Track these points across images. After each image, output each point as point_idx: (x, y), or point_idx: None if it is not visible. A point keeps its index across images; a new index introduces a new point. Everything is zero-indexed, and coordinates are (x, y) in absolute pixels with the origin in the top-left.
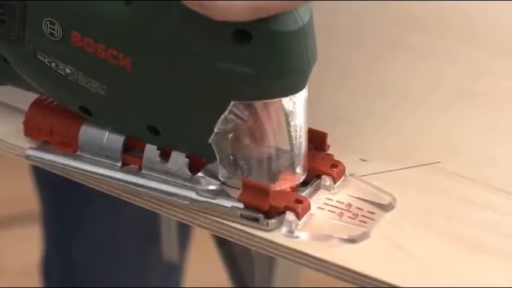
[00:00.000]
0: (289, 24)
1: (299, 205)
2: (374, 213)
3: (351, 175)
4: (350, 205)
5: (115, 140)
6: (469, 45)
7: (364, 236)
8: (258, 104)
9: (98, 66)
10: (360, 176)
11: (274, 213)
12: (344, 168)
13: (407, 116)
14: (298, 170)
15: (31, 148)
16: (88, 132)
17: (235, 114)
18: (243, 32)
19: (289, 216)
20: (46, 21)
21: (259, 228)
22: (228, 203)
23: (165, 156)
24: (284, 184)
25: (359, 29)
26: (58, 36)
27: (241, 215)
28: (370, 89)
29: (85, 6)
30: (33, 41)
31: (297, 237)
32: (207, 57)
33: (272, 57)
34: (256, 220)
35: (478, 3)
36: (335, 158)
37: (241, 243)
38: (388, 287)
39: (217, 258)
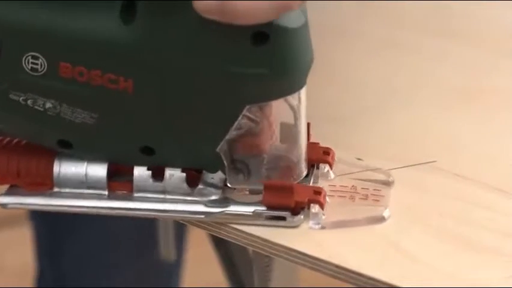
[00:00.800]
0: (297, 20)
1: (320, 196)
2: (379, 190)
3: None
4: (355, 187)
5: (96, 169)
6: (463, 44)
7: (389, 214)
8: (269, 104)
9: (91, 94)
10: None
11: (298, 208)
12: (334, 154)
13: (403, 114)
14: (303, 163)
15: (3, 195)
16: (64, 166)
17: (249, 118)
18: (261, 34)
19: (314, 208)
20: (27, 56)
21: (285, 227)
22: (248, 209)
23: (158, 175)
24: (293, 179)
25: (349, 27)
26: (42, 71)
27: (265, 217)
28: (365, 87)
29: (76, 33)
30: (8, 80)
31: (323, 227)
32: (224, 64)
33: (287, 55)
34: (282, 219)
35: (472, 2)
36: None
37: (238, 243)
38: (384, 287)
39: (214, 258)
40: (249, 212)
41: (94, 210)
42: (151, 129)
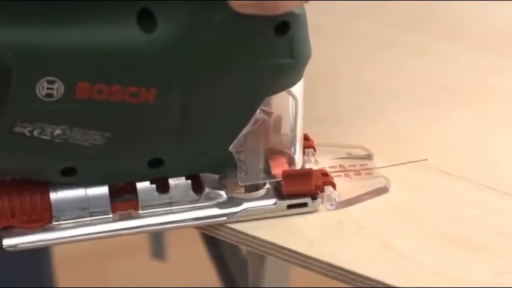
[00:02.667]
0: (303, 6)
1: (329, 178)
2: (366, 164)
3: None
4: (343, 166)
5: (97, 193)
6: (455, 43)
7: (388, 183)
8: (281, 94)
9: (108, 112)
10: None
11: (316, 193)
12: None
13: (394, 113)
14: (301, 153)
15: (6, 238)
16: (61, 197)
17: (264, 111)
18: (283, 23)
19: (328, 190)
20: (42, 82)
21: (307, 212)
22: (269, 202)
23: (162, 187)
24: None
25: (345, 27)
26: (58, 95)
27: (287, 206)
28: (357, 86)
29: (95, 48)
30: (16, 112)
31: (337, 207)
32: (251, 60)
33: (304, 42)
34: (304, 205)
35: (469, 3)
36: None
37: (229, 241)
38: (374, 284)
39: (207, 258)
40: (271, 204)
41: (102, 235)
42: (166, 139)
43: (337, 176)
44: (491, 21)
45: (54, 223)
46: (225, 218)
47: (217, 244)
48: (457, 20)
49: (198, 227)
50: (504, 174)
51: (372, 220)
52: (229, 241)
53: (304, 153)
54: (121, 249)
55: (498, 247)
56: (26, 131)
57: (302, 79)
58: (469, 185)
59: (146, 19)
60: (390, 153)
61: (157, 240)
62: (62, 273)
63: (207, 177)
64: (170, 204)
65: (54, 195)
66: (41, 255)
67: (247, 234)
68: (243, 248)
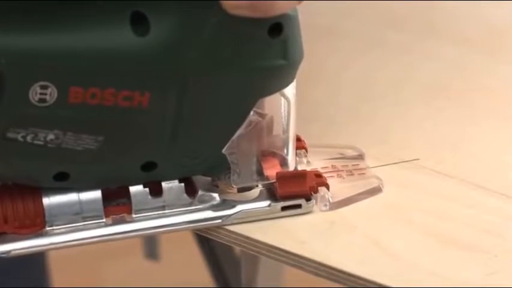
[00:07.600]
0: (295, 8)
1: (323, 178)
2: (358, 164)
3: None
4: (335, 167)
5: (90, 198)
6: (450, 44)
7: (382, 183)
8: (273, 96)
9: (101, 116)
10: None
11: (310, 194)
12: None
13: (385, 113)
14: (293, 154)
15: (2, 243)
16: (54, 202)
17: (258, 113)
18: (276, 25)
19: (322, 191)
20: (35, 86)
21: (301, 214)
22: (263, 204)
23: (155, 191)
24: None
25: (335, 27)
26: (51, 100)
27: (282, 208)
28: (349, 87)
29: (88, 53)
30: (7, 118)
31: (332, 208)
32: (245, 62)
33: (297, 43)
34: (298, 207)
35: (458, 2)
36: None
37: (221, 241)
38: (365, 284)
39: (200, 258)
40: (265, 206)
41: (95, 240)
42: (160, 142)
43: (330, 176)
44: (481, 21)
45: (48, 228)
46: (219, 220)
47: (211, 244)
48: (448, 20)
49: (195, 231)
50: (495, 173)
51: (363, 220)
52: (222, 241)
53: (296, 154)
54: (113, 249)
55: (490, 246)
56: (19, 137)
57: (295, 80)
58: (460, 185)
59: (139, 22)
60: (382, 153)
61: (150, 241)
62: (54, 274)
63: (199, 179)
64: (163, 207)
65: (47, 201)
66: (35, 256)
67: (239, 234)
68: (236, 248)
